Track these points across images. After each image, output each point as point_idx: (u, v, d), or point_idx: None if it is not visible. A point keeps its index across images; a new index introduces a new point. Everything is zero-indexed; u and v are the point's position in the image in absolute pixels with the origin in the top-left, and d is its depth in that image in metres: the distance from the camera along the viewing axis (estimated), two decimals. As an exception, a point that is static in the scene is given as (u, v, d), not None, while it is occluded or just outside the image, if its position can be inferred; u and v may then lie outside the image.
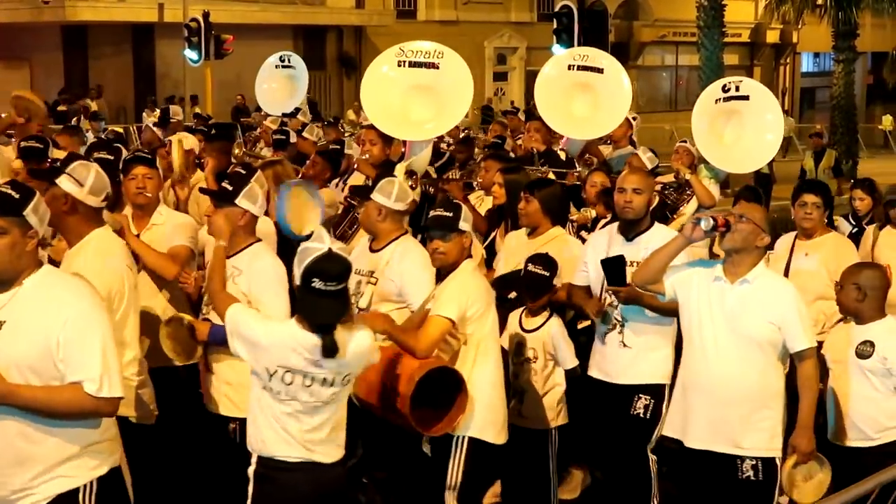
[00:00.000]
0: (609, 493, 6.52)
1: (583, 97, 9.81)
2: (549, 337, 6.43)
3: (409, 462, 5.99)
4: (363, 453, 6.25)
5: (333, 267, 4.49)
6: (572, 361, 6.46)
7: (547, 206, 6.86)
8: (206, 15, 23.15)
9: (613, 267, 6.02)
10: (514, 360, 6.56)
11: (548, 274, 6.40)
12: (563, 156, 9.68)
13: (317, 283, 4.45)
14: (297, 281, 4.53)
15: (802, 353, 5.26)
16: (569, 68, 9.88)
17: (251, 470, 4.70)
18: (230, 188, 5.66)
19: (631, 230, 6.19)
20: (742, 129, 9.07)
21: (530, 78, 38.63)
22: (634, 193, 6.13)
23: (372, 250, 6.31)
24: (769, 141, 9.19)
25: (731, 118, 9.10)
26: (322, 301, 4.48)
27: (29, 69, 29.59)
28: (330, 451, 4.69)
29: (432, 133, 8.58)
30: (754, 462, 5.29)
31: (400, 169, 7.96)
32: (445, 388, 5.49)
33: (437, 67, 8.46)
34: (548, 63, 10.25)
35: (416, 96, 8.50)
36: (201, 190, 6.61)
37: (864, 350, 5.77)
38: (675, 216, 8.83)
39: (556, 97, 9.81)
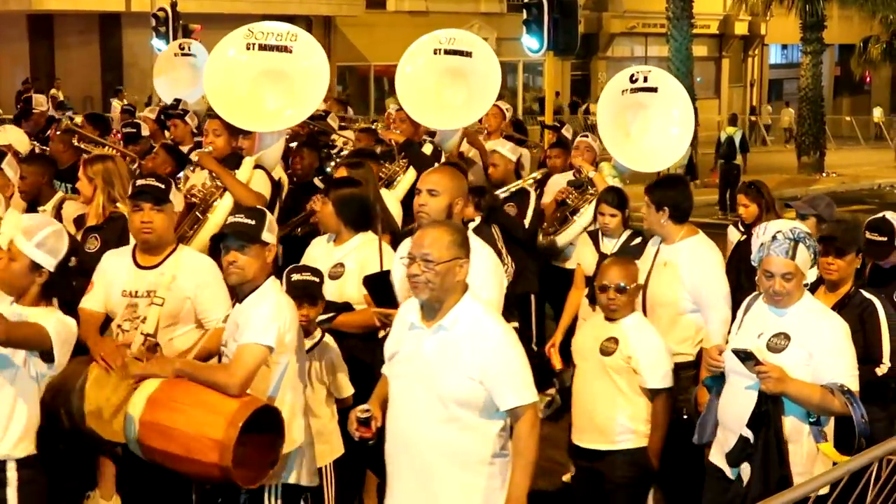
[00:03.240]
0: None
1: (453, 84, 9.03)
2: (319, 361, 5.58)
3: None
4: None
5: None
6: (346, 390, 5.64)
7: (342, 210, 6.01)
8: (173, 4, 22.97)
9: (378, 285, 5.28)
10: None
11: (317, 280, 5.65)
12: (428, 149, 8.76)
13: None
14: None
15: (514, 412, 4.27)
16: (434, 53, 9.09)
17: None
18: None
19: None
20: (648, 123, 8.42)
21: (500, 70, 38.55)
22: (429, 195, 5.13)
23: (142, 267, 5.46)
24: (676, 136, 8.44)
25: (639, 112, 8.44)
26: None
27: (-5, 58, 29.36)
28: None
29: (284, 124, 7.82)
30: None
31: (248, 164, 7.30)
32: (256, 428, 4.68)
33: (290, 51, 7.66)
34: (406, 57, 9.22)
35: (267, 83, 7.70)
36: None
37: (608, 347, 5.47)
38: (575, 217, 8.34)
39: (423, 88, 8.99)
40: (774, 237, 4.83)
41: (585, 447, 5.57)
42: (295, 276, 5.57)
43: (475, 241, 5.15)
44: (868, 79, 43.75)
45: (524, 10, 16.84)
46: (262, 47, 7.63)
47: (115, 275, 5.48)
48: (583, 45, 21.53)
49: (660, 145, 8.37)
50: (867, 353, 5.43)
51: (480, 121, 9.96)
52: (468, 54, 9.02)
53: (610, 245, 7.06)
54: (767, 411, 4.70)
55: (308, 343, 5.46)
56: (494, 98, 9.23)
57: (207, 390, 4.68)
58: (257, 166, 7.33)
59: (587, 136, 9.15)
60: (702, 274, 6.08)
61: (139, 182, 5.57)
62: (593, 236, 7.26)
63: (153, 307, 5.36)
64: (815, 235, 6.65)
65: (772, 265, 4.82)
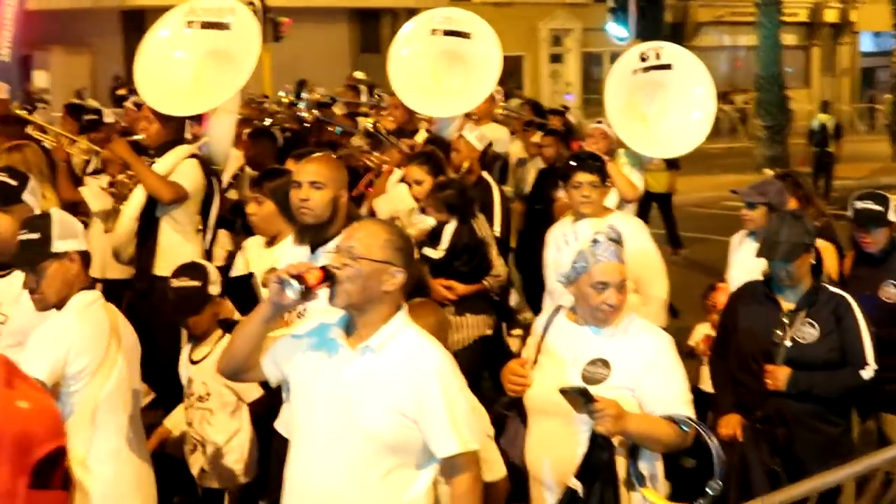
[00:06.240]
0: None
1: (450, 68, 8.43)
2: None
3: None
4: None
5: None
6: (254, 392, 5.03)
7: (285, 204, 5.06)
8: (262, -2, 23.34)
9: (241, 290, 4.76)
10: (186, 402, 5.23)
11: (199, 283, 4.96)
12: (421, 137, 8.21)
13: None
14: None
15: (452, 462, 3.47)
16: (432, 33, 8.48)
17: None
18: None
19: (313, 238, 4.50)
20: (666, 105, 7.73)
21: (586, 59, 38.49)
22: (312, 188, 4.47)
23: None
24: (697, 120, 7.74)
25: (655, 92, 7.76)
26: None
27: (90, 55, 29.94)
28: None
29: (212, 104, 7.04)
30: None
31: (175, 153, 6.64)
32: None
33: (229, 27, 7.11)
34: (400, 39, 8.65)
35: (208, 62, 7.13)
36: None
37: None
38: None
39: (418, 72, 8.40)
40: (595, 241, 4.00)
41: None
42: (174, 282, 4.95)
43: None
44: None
45: (610, -1, 16.84)
46: (204, 25, 7.18)
47: None
48: (670, 35, 21.35)
49: (680, 128, 7.68)
50: (846, 354, 4.96)
51: None
52: (467, 35, 8.42)
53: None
54: (603, 458, 3.80)
55: (206, 349, 5.07)
56: (495, 83, 8.65)
57: None
58: (194, 155, 6.73)
59: (601, 123, 8.37)
60: (638, 247, 5.66)
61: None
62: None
63: None
64: (763, 226, 5.80)
65: (606, 273, 3.98)
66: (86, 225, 6.96)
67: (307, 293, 3.37)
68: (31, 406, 1.70)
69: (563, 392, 3.76)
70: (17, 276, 4.52)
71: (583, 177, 5.86)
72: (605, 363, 3.97)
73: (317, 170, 4.54)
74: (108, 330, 4.10)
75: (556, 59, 36.83)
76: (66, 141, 7.93)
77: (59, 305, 4.10)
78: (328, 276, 3.39)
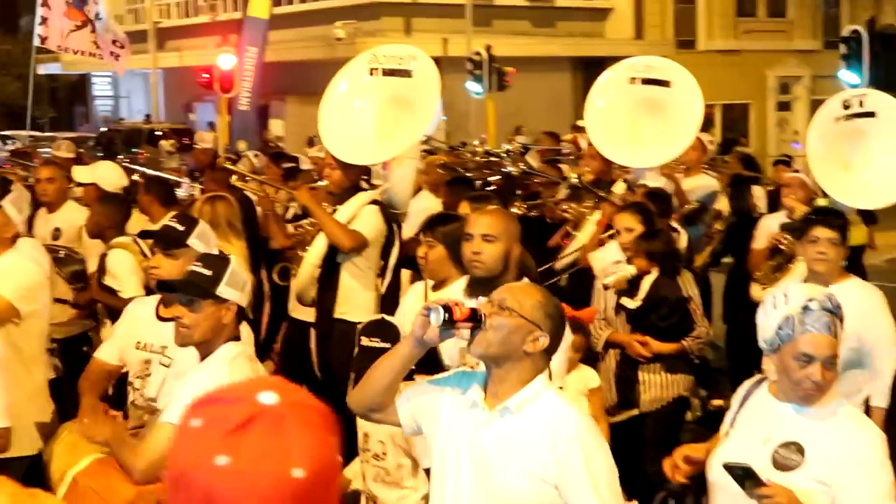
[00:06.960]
0: None
1: (650, 117, 8.29)
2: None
3: None
4: None
5: None
6: (429, 460, 4.94)
7: (455, 250, 4.84)
8: (488, 48, 23.79)
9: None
10: (361, 456, 5.05)
11: (389, 346, 4.64)
12: (620, 188, 8.11)
13: None
14: None
15: None
16: (630, 82, 8.43)
17: None
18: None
19: (484, 291, 4.07)
20: (869, 154, 7.46)
21: (815, 107, 37.23)
22: (485, 241, 4.41)
23: (162, 318, 4.75)
24: None
25: (858, 141, 7.51)
26: None
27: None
28: None
29: (397, 150, 7.07)
30: None
31: (356, 200, 6.71)
32: None
33: (410, 75, 7.15)
34: (598, 88, 8.70)
35: (388, 109, 7.18)
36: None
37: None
38: (791, 266, 7.02)
39: (615, 121, 8.32)
40: (807, 308, 3.55)
41: None
42: (364, 341, 4.79)
43: None
44: None
45: (842, 45, 16.39)
46: (387, 72, 7.22)
47: (135, 324, 4.94)
48: (906, 81, 20.59)
49: (884, 178, 7.43)
50: None
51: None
52: (666, 83, 8.34)
53: None
54: None
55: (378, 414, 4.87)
56: (696, 132, 8.49)
57: (117, 471, 4.01)
58: (376, 202, 6.78)
59: (798, 172, 8.24)
60: (869, 316, 5.26)
61: (161, 223, 5.22)
62: None
63: (161, 366, 4.68)
64: None
65: (815, 346, 3.53)
66: (290, 271, 7.36)
67: (450, 324, 3.28)
68: (229, 463, 1.57)
69: (727, 468, 3.49)
70: None
71: (822, 232, 5.34)
72: (800, 449, 3.54)
73: (490, 222, 4.50)
74: None
75: (783, 106, 35.97)
76: (272, 190, 8.24)
77: (200, 349, 4.12)
78: (475, 317, 3.31)
